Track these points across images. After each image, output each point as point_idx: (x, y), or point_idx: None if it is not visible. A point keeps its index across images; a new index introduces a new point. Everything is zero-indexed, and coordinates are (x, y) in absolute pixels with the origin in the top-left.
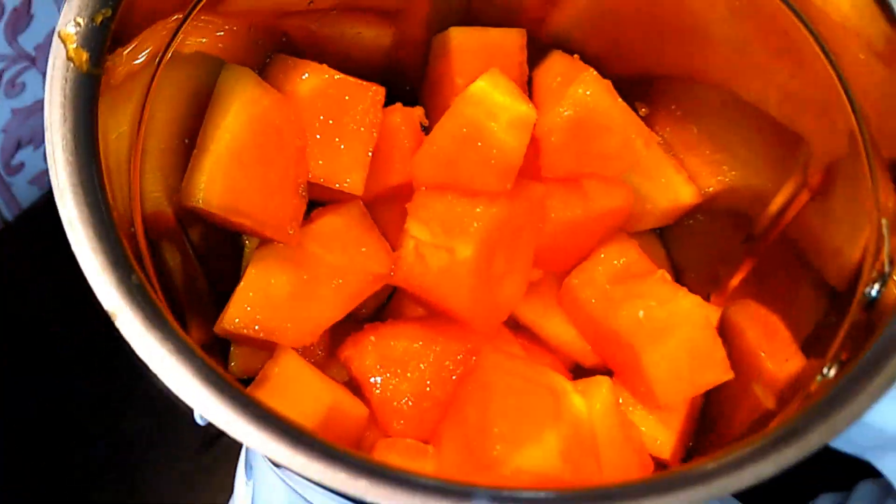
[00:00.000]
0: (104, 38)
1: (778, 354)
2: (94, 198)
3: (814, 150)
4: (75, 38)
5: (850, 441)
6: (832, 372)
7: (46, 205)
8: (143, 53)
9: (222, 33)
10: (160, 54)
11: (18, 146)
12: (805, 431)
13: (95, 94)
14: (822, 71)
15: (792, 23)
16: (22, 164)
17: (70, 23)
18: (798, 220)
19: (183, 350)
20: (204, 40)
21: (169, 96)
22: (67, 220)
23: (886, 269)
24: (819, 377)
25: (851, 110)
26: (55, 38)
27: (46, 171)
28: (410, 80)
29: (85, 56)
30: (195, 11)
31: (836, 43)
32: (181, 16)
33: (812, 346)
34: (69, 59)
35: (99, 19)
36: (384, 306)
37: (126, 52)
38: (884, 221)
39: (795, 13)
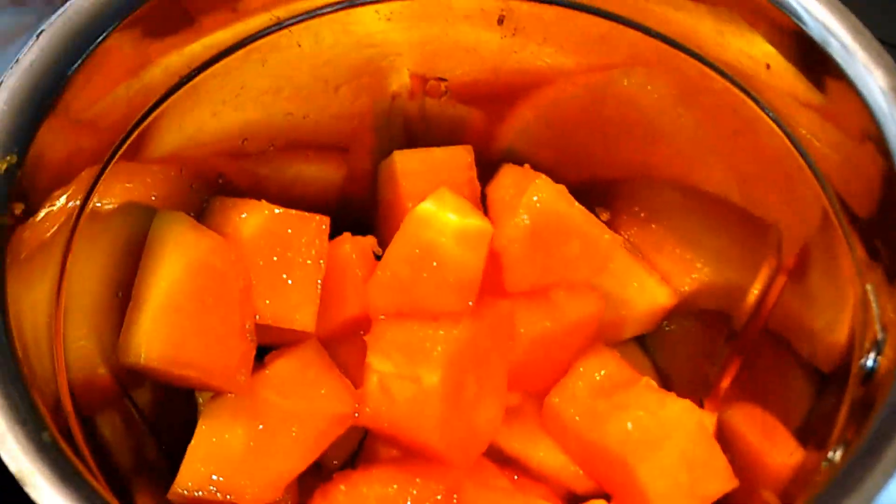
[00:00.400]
0: (8, 186)
1: (781, 452)
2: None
3: (784, 231)
4: None
5: None
6: (838, 454)
7: None
8: (58, 216)
9: (151, 180)
10: (77, 212)
11: None
12: None
13: (2, 244)
14: (779, 144)
15: (741, 101)
16: None
17: None
18: (779, 308)
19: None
20: (131, 188)
21: (97, 251)
22: None
23: (879, 336)
24: (825, 462)
25: (815, 178)
26: None
27: None
28: (361, 211)
29: None
30: (113, 162)
31: (788, 113)
32: (98, 167)
33: (813, 434)
34: None
35: (3, 167)
36: (356, 455)
37: (37, 218)
38: (869, 287)
39: (743, 90)
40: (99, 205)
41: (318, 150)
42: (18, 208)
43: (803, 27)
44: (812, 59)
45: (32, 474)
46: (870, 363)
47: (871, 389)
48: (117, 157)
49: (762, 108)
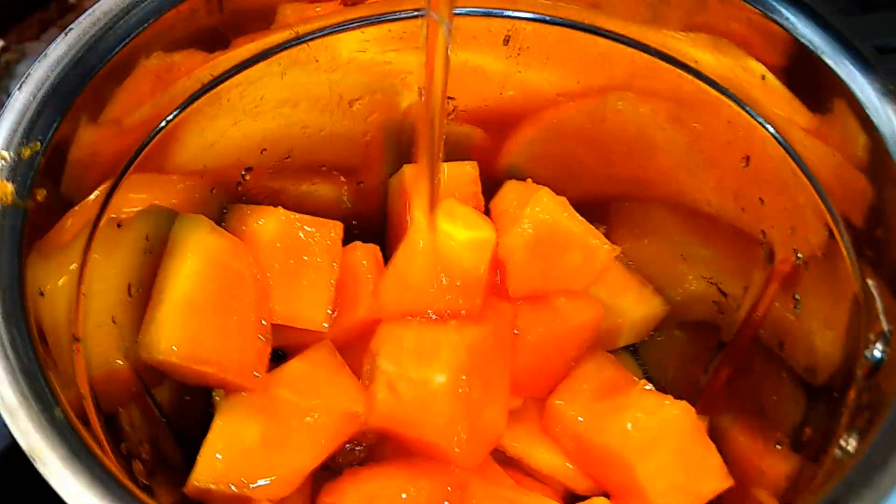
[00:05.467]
0: (32, 172)
1: (774, 456)
2: (14, 334)
3: (776, 240)
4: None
5: None
6: (851, 443)
7: None
8: (81, 212)
9: (173, 184)
10: (99, 210)
11: None
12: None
13: (22, 226)
14: (773, 153)
15: (735, 113)
16: None
17: None
18: (771, 314)
19: (108, 484)
20: (154, 190)
21: (119, 249)
22: None
23: (886, 327)
24: (838, 450)
25: (811, 184)
26: None
27: None
28: (369, 226)
29: (10, 188)
30: (136, 162)
31: (783, 122)
32: (122, 166)
33: (811, 437)
34: None
35: (27, 153)
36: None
37: (61, 210)
38: (870, 282)
39: (737, 102)
40: (120, 208)
41: (331, 167)
42: (41, 194)
43: (797, 37)
44: (806, 68)
45: (42, 451)
46: (877, 354)
47: (880, 380)
48: (140, 157)
49: (756, 119)
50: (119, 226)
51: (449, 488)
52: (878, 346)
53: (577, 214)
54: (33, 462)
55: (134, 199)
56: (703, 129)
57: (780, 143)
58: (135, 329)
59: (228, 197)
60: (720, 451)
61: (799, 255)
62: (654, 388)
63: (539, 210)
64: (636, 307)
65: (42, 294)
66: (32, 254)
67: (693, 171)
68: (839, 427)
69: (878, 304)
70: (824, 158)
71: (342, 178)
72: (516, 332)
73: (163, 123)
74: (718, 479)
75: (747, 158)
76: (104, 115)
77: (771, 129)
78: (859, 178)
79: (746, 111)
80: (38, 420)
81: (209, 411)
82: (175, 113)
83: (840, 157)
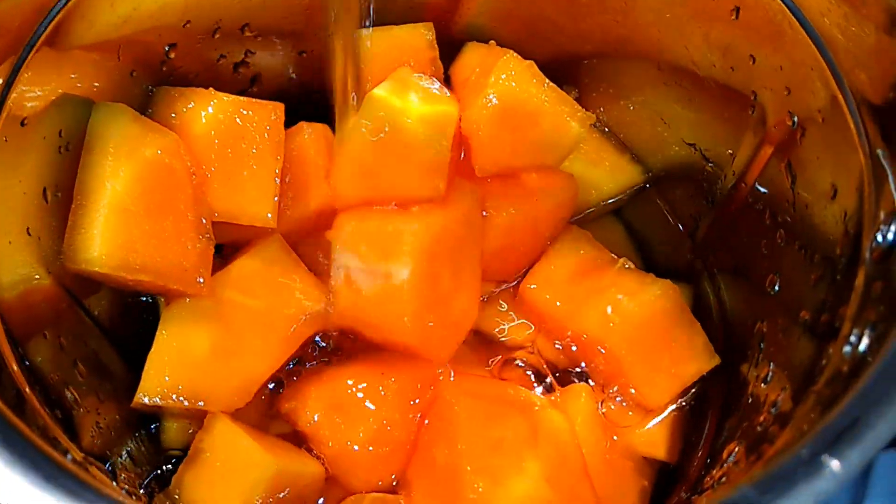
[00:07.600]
0: None
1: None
2: None
3: (768, 102)
4: None
5: None
6: (864, 341)
7: None
8: None
9: (85, 69)
10: None
11: None
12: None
13: None
14: (767, 1)
15: None
16: None
17: None
18: (764, 179)
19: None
20: (62, 79)
21: (27, 150)
22: None
23: None
24: (847, 347)
25: (811, 39)
26: None
27: None
28: (316, 98)
29: None
30: (32, 53)
31: None
32: (13, 61)
33: (817, 314)
34: None
35: None
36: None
37: None
38: (880, 153)
39: None
40: (23, 101)
41: (268, 33)
42: None
43: None
44: None
45: None
46: (889, 236)
47: (893, 267)
48: (39, 42)
49: None
50: (23, 123)
51: (419, 385)
52: (892, 227)
53: (547, 80)
54: None
55: (38, 91)
56: None
57: None
58: (57, 238)
59: (153, 79)
60: (704, 318)
61: (795, 118)
62: (633, 267)
63: (505, 77)
64: (613, 178)
65: None
66: None
67: (675, 24)
68: (846, 316)
69: (891, 179)
70: (828, 10)
71: (281, 48)
72: (485, 214)
73: (61, 2)
74: (704, 360)
75: (737, 10)
76: None
77: None
78: (870, 32)
79: None
80: None
81: (154, 312)
82: None
83: (846, 8)
